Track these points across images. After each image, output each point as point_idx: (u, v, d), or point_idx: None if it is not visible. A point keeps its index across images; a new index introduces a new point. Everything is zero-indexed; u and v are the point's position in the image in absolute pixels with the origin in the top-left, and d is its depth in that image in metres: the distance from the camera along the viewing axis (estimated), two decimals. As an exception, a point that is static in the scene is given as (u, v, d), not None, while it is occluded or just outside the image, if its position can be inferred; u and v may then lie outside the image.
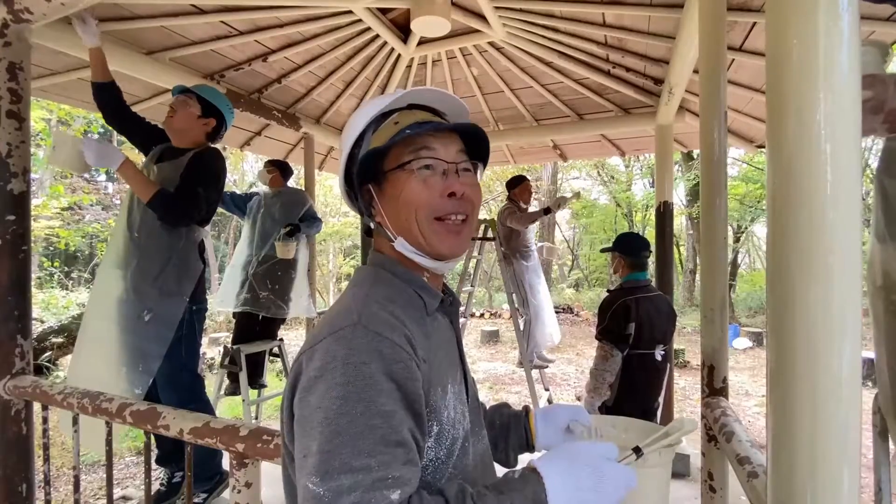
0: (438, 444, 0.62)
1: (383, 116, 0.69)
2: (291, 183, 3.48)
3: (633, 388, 2.21)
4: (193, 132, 1.98)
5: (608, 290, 2.40)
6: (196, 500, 1.94)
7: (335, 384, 0.52)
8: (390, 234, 0.68)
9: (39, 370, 4.90)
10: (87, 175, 10.47)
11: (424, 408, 0.58)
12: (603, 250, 2.52)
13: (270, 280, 3.15)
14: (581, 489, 0.55)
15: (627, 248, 2.31)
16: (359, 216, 0.74)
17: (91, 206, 9.47)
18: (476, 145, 0.72)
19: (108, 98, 2.01)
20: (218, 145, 2.15)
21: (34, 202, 6.82)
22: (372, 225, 0.71)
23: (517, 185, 3.86)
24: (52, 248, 10.42)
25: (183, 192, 1.84)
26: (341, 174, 0.73)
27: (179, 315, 1.89)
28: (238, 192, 3.56)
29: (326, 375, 0.53)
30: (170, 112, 1.96)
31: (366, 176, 0.68)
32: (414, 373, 0.56)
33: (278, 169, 3.37)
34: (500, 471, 0.78)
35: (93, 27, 1.90)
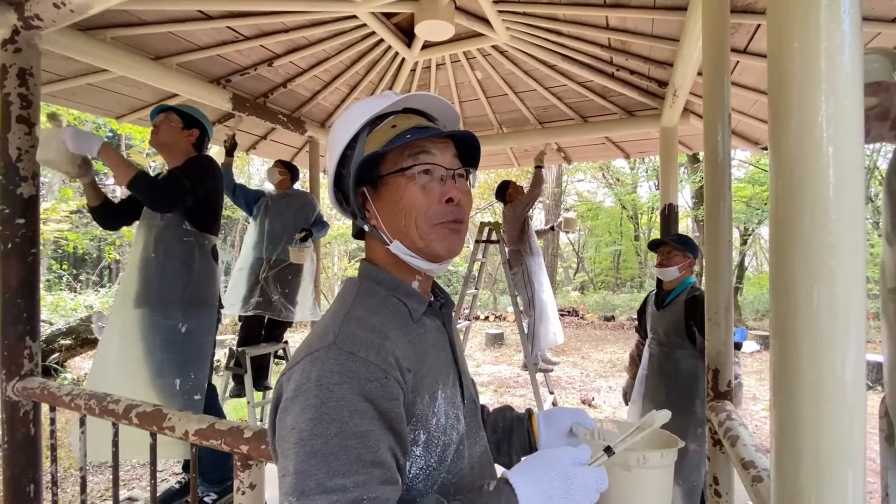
0: (428, 452, 0.62)
1: (378, 119, 0.69)
2: (296, 186, 3.50)
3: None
4: (180, 144, 2.00)
5: (693, 296, 2.21)
6: (207, 499, 1.97)
7: (309, 405, 0.53)
8: (385, 238, 0.68)
9: (48, 372, 4.95)
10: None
11: (405, 425, 0.58)
12: (661, 245, 2.33)
13: (281, 283, 3.15)
14: (552, 498, 0.57)
15: (698, 253, 2.34)
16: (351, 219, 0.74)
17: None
18: (468, 152, 0.72)
19: (108, 215, 2.03)
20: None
21: (43, 205, 6.93)
22: (366, 228, 0.70)
23: (507, 189, 4.10)
24: (60, 251, 10.54)
25: (166, 179, 1.85)
26: (332, 176, 0.72)
27: (213, 321, 1.98)
28: (248, 187, 3.52)
29: (301, 397, 0.54)
30: (154, 131, 1.99)
31: (361, 179, 0.68)
32: (391, 391, 0.56)
33: (289, 172, 3.38)
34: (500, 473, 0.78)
35: (90, 171, 1.89)
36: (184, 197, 1.86)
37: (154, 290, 1.88)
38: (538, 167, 3.84)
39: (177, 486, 2.13)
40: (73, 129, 1.74)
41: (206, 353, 1.95)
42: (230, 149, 3.24)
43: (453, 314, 0.78)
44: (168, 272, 1.89)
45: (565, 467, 0.59)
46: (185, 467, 2.15)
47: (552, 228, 4.57)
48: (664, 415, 0.65)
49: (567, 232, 4.53)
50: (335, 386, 0.54)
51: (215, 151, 7.95)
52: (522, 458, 0.63)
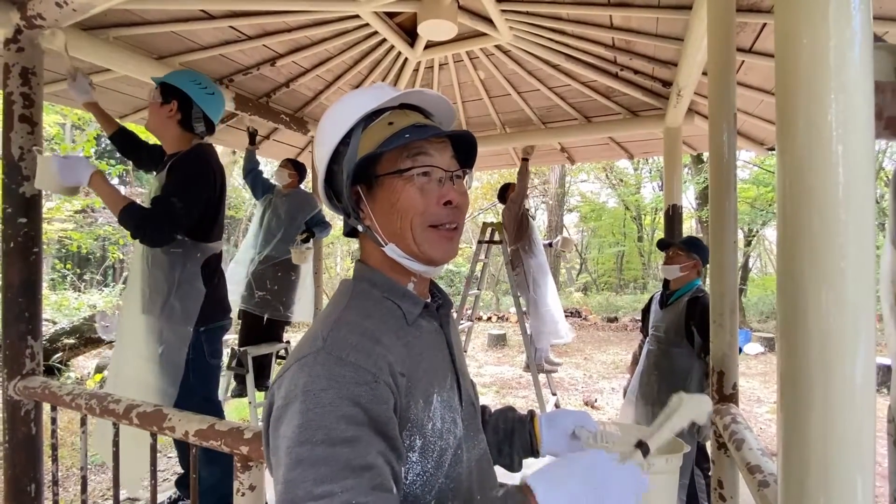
0: (424, 458, 0.61)
1: (372, 114, 0.66)
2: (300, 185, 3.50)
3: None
4: (164, 126, 1.75)
5: (696, 296, 2.22)
6: None
7: (296, 413, 0.53)
8: (380, 239, 0.66)
9: (51, 371, 4.96)
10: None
11: (397, 430, 0.57)
12: (669, 245, 2.36)
13: (269, 280, 3.15)
14: None
15: (707, 257, 2.30)
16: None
17: (103, 208, 9.61)
18: (465, 151, 0.71)
19: (124, 144, 1.98)
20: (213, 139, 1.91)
21: (48, 205, 6.95)
22: (360, 228, 0.68)
23: (507, 192, 4.19)
24: (64, 251, 10.58)
25: (155, 205, 1.62)
26: (322, 172, 0.69)
27: (186, 348, 1.71)
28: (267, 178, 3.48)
29: (289, 405, 0.54)
30: None
31: (356, 177, 0.65)
32: (381, 395, 0.55)
33: (298, 173, 3.38)
34: (502, 475, 0.77)
35: (84, 84, 1.85)
36: (177, 228, 1.65)
37: (146, 302, 1.72)
38: (524, 159, 3.86)
39: (167, 501, 2.01)
40: (59, 159, 1.59)
41: (176, 384, 1.69)
42: (251, 137, 3.26)
43: (455, 315, 0.77)
44: (155, 285, 1.72)
45: (594, 474, 0.56)
46: (178, 485, 2.06)
47: (550, 245, 4.61)
48: (697, 399, 0.60)
49: (564, 252, 4.68)
50: (321, 392, 0.53)
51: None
52: (541, 469, 0.58)
